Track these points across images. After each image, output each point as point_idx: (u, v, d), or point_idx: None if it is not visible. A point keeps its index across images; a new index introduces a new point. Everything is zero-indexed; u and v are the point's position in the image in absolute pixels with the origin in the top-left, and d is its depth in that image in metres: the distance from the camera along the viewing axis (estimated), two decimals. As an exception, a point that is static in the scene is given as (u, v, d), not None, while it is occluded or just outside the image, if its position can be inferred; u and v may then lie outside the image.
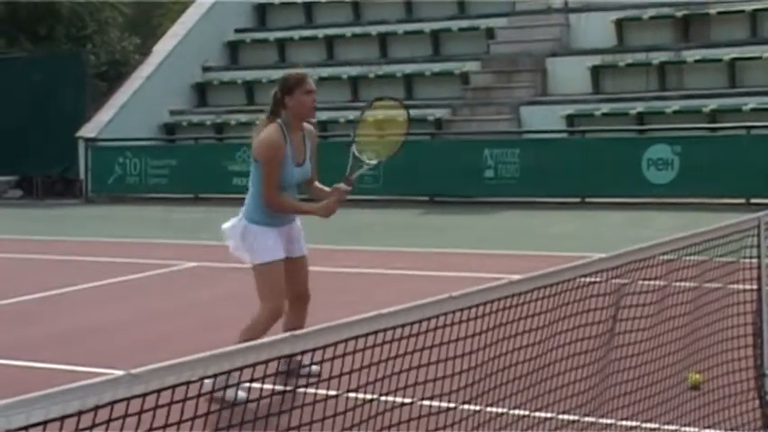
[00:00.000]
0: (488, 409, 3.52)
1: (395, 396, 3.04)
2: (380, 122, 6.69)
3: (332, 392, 2.84)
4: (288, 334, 2.48)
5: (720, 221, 4.80)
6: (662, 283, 4.49)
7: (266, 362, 2.41)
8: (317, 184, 6.45)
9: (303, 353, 2.57)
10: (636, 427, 4.35)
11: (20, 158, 22.73)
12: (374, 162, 6.33)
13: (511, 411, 3.64)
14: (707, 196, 16.25)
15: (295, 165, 6.20)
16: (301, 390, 2.70)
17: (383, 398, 3.00)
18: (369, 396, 2.94)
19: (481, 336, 3.35)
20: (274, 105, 6.25)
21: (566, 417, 3.97)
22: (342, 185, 6.20)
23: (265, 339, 2.44)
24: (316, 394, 2.79)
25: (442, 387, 3.24)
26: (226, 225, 6.40)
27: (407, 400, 3.10)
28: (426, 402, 3.20)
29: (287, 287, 6.33)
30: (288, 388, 2.65)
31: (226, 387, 2.58)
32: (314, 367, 5.69)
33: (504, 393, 3.57)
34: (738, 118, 17.74)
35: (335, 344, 2.61)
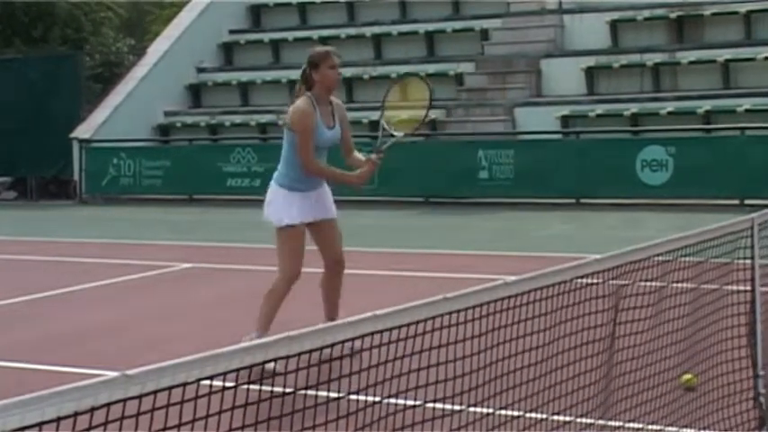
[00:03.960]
0: (482, 410, 3.53)
1: (390, 398, 3.04)
2: (406, 97, 7.36)
3: (333, 395, 2.84)
4: (284, 335, 2.48)
5: (715, 222, 4.80)
6: (658, 284, 4.49)
7: (262, 363, 2.41)
8: (355, 154, 6.99)
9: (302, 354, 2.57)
10: (633, 429, 4.36)
11: (14, 160, 22.71)
12: (400, 135, 6.92)
13: (505, 413, 3.64)
14: (701, 197, 16.28)
15: (326, 128, 6.78)
16: (302, 392, 2.70)
17: (380, 400, 3.00)
18: (366, 398, 2.94)
19: (476, 339, 3.35)
20: (303, 81, 6.86)
21: (562, 418, 3.98)
22: (372, 156, 6.79)
23: (261, 341, 2.44)
24: (317, 396, 2.80)
25: (436, 389, 3.23)
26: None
27: (402, 402, 3.10)
28: (423, 404, 3.19)
29: (321, 252, 6.99)
30: (288, 390, 2.65)
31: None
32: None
33: (499, 395, 3.57)
34: (733, 119, 17.76)
35: (332, 345, 2.61)
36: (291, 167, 6.78)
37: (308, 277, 10.97)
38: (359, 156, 6.99)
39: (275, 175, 6.90)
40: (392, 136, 6.89)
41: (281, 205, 6.74)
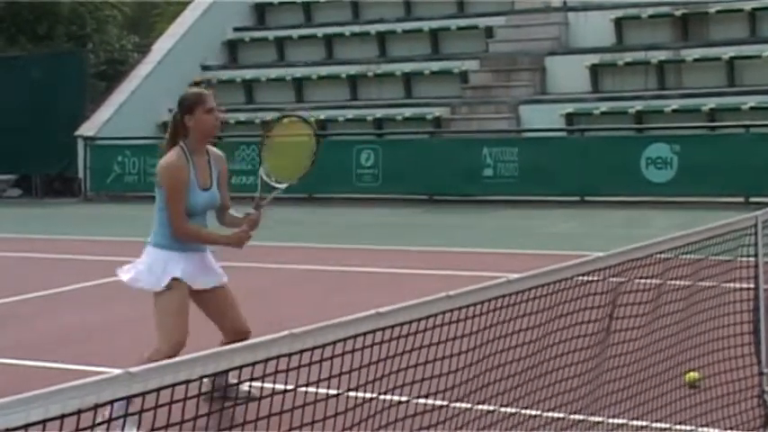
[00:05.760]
0: (485, 407, 3.53)
1: (393, 394, 3.05)
2: (286, 144, 6.12)
3: (332, 392, 2.85)
4: (287, 332, 2.48)
5: (719, 220, 4.80)
6: (659, 281, 4.50)
7: (265, 361, 2.41)
8: (230, 212, 6.05)
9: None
10: (635, 426, 4.36)
11: (19, 157, 22.74)
12: (284, 186, 5.89)
13: (507, 410, 3.64)
14: (706, 195, 16.26)
15: (201, 189, 5.79)
16: (302, 389, 2.71)
17: (382, 396, 3.01)
18: (368, 395, 2.95)
19: (478, 334, 3.36)
20: (174, 128, 5.87)
21: (561, 415, 3.98)
22: (252, 212, 5.81)
23: (263, 338, 2.45)
24: (316, 393, 2.80)
25: (438, 385, 3.24)
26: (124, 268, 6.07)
27: (405, 399, 3.11)
28: (423, 401, 3.20)
29: (219, 326, 5.98)
30: (288, 387, 2.66)
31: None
32: (244, 387, 4.58)
33: (502, 391, 3.58)
34: (737, 117, 17.75)
35: (334, 343, 2.62)
36: (167, 227, 5.81)
37: (306, 276, 11.02)
38: (236, 213, 6.01)
39: (151, 236, 5.94)
40: (274, 188, 5.86)
41: (160, 265, 5.79)
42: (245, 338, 5.60)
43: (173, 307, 5.74)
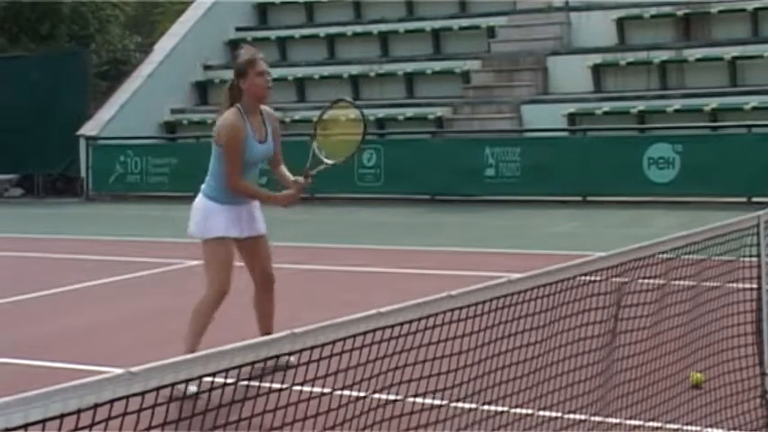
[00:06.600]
0: (486, 407, 3.53)
1: (392, 393, 3.05)
2: (340, 123, 6.80)
3: (327, 390, 2.84)
4: (288, 332, 2.48)
5: (721, 220, 4.79)
6: (662, 281, 4.49)
7: (264, 360, 2.41)
8: (282, 168, 6.58)
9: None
10: (637, 427, 4.36)
11: (21, 157, 22.77)
12: (331, 162, 6.51)
13: (509, 410, 3.64)
14: (708, 195, 16.26)
15: (257, 142, 6.38)
16: (297, 388, 2.71)
17: (376, 395, 3.01)
18: (363, 393, 2.95)
19: (480, 334, 3.35)
20: (231, 91, 6.42)
21: (564, 416, 3.97)
22: (300, 179, 6.40)
23: (264, 338, 2.44)
24: (311, 392, 2.80)
25: (437, 384, 3.24)
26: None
27: (401, 398, 3.11)
28: (422, 400, 3.20)
29: (250, 269, 6.59)
30: (284, 386, 2.66)
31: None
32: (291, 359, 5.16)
33: (503, 392, 3.58)
34: (739, 117, 17.74)
35: (334, 342, 2.62)
36: (219, 180, 6.36)
37: (308, 276, 11.01)
38: (287, 172, 6.53)
39: (203, 186, 6.46)
40: (323, 162, 6.46)
41: (209, 217, 6.32)
42: (272, 284, 6.59)
43: (217, 258, 6.31)
